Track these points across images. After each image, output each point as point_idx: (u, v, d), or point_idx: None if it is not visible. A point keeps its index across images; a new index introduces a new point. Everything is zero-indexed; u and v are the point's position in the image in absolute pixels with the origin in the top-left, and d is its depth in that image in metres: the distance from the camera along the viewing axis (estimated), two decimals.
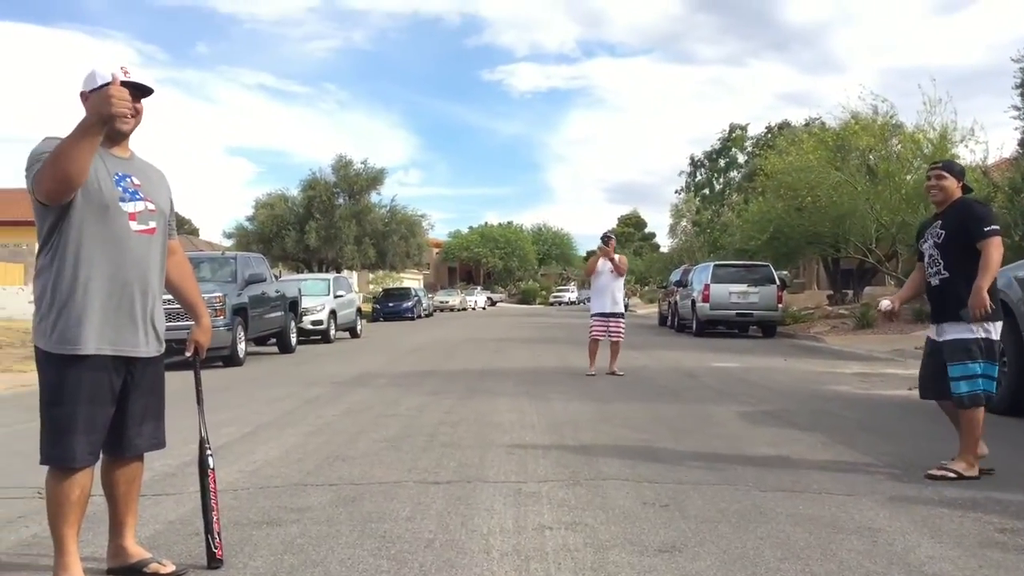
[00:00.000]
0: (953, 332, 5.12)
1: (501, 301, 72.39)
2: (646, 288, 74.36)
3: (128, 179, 3.15)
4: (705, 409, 7.99)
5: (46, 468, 3.09)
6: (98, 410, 3.07)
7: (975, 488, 4.79)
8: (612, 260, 11.46)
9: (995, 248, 5.05)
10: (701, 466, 5.36)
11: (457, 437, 6.42)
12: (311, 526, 4.00)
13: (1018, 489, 4.81)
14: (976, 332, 5.05)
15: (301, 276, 24.44)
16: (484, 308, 59.49)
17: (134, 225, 3.12)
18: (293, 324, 17.71)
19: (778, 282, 22.07)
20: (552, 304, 69.20)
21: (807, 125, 42.52)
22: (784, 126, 45.29)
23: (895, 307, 5.51)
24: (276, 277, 17.28)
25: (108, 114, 2.78)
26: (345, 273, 42.81)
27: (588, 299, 13.42)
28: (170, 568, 3.31)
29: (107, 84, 2.84)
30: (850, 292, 30.36)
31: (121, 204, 3.09)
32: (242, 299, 14.58)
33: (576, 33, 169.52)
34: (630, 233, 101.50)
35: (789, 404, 8.39)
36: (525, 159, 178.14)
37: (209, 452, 3.51)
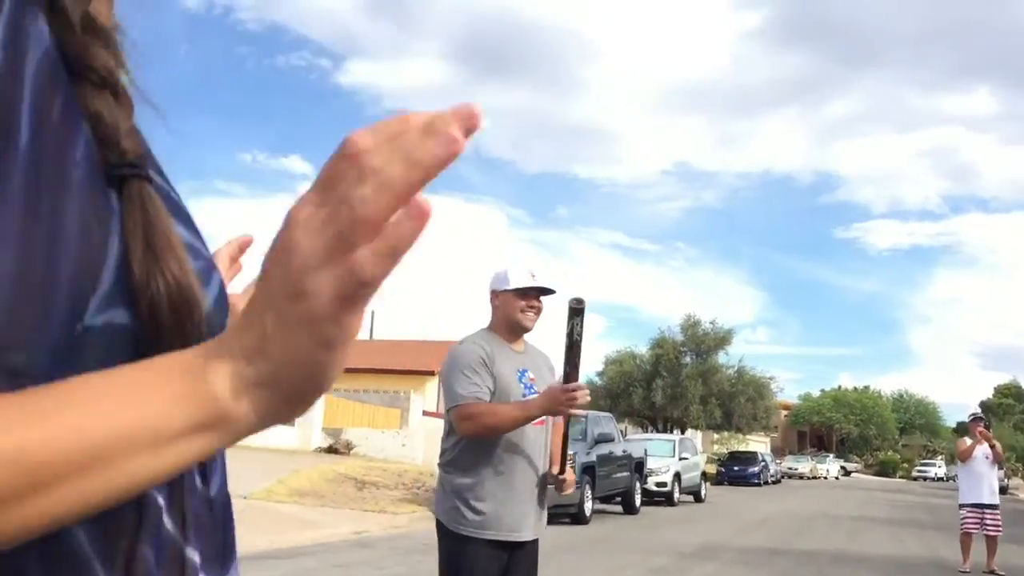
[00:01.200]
0: None
1: (856, 471, 67.41)
2: None
3: (526, 374, 3.47)
4: None
5: None
6: None
7: None
8: (992, 444, 10.42)
9: None
10: None
11: None
12: None
13: None
14: None
15: (647, 436, 24.69)
16: (837, 478, 55.76)
17: (537, 427, 3.41)
18: (638, 484, 17.85)
19: None
20: (915, 479, 63.19)
21: None
22: None
23: None
24: (622, 434, 17.61)
25: (557, 412, 3.23)
26: (689, 433, 42.51)
27: (956, 476, 12.22)
28: None
29: (566, 389, 3.18)
30: None
31: (522, 398, 3.41)
32: (591, 458, 15.04)
33: (942, 188, 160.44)
34: (1009, 405, 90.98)
35: None
36: (883, 319, 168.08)
37: None
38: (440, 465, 3.48)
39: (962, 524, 10.55)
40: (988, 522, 10.32)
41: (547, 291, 3.51)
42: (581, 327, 3.30)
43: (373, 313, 59.39)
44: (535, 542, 3.53)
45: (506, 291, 3.41)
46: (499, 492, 3.35)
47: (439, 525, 3.44)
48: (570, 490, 3.47)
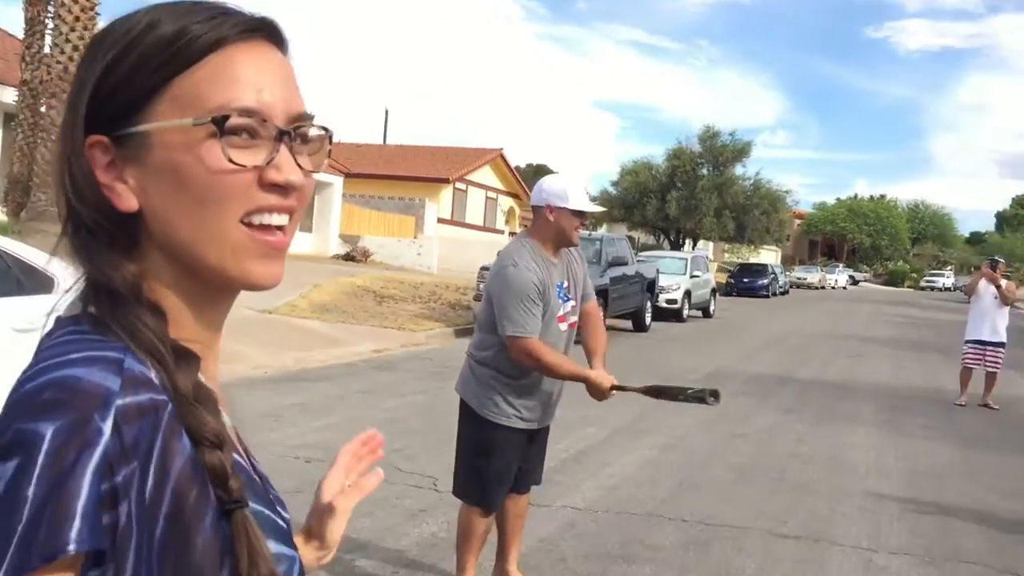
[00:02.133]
0: None
1: (864, 281, 68.31)
2: None
3: (563, 286, 3.65)
4: None
5: (450, 468, 3.78)
6: (515, 467, 3.68)
7: None
8: (998, 285, 10.56)
9: None
10: None
11: (808, 478, 6.45)
12: (663, 569, 4.36)
13: None
14: None
15: (659, 254, 24.92)
16: (845, 288, 56.58)
17: (562, 326, 3.65)
18: (649, 304, 18.26)
19: None
20: (923, 288, 64.07)
21: None
22: None
23: None
24: (634, 243, 17.69)
25: (593, 396, 3.57)
26: (701, 244, 42.89)
27: (963, 287, 12.44)
28: None
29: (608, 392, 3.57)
30: None
31: (559, 312, 3.62)
32: (604, 280, 15.32)
33: None
34: None
35: None
36: (906, 125, 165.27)
37: None
38: (475, 359, 3.66)
39: (963, 359, 10.87)
40: (989, 358, 10.62)
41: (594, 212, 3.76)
42: (688, 400, 3.54)
43: (387, 113, 58.62)
44: (548, 425, 3.82)
45: (565, 208, 3.54)
46: (532, 389, 3.60)
47: (466, 407, 3.66)
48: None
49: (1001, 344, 10.68)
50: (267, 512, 0.76)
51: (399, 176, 34.44)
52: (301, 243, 25.32)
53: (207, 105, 0.71)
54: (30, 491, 0.59)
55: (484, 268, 15.36)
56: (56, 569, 0.59)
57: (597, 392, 3.54)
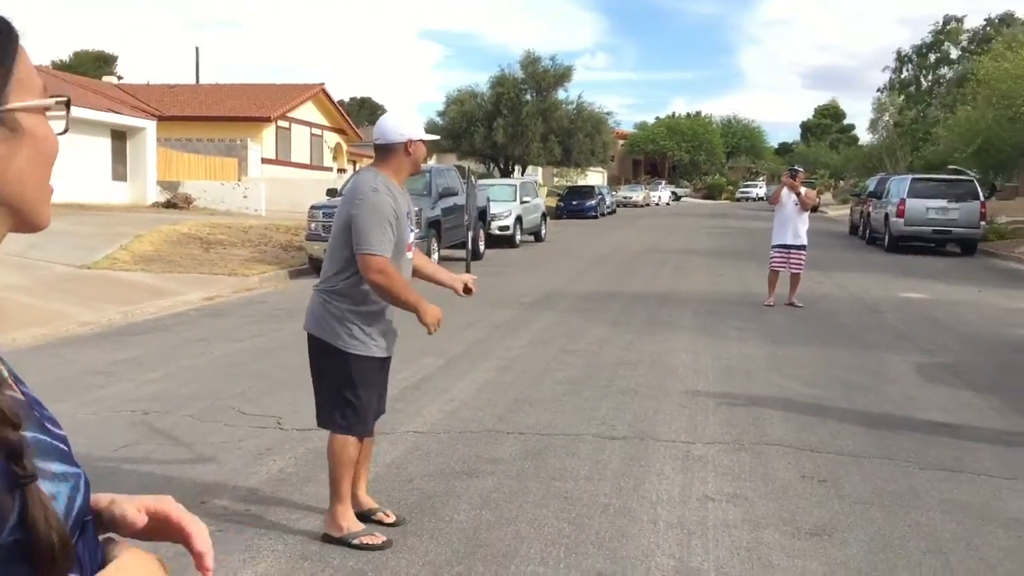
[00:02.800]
0: None
1: (686, 196, 71.34)
2: (840, 183, 71.11)
3: (409, 215, 3.86)
4: (882, 358, 8.10)
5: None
6: (379, 391, 3.96)
7: None
8: (797, 193, 11.42)
9: None
10: (865, 433, 5.63)
11: (634, 383, 6.93)
12: (504, 480, 4.66)
13: None
14: None
15: (489, 182, 25.23)
16: (668, 204, 58.95)
17: (409, 255, 3.89)
18: (482, 232, 18.57)
19: (982, 198, 20.93)
20: (738, 200, 67.56)
21: None
22: (1007, 19, 41.51)
23: None
24: (464, 173, 17.86)
25: (426, 325, 3.74)
26: (530, 170, 43.54)
27: (768, 196, 13.34)
28: (392, 518, 4.05)
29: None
30: None
31: (408, 241, 3.84)
32: (435, 212, 15.49)
33: None
34: (827, 125, 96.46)
35: (971, 355, 8.36)
36: (717, 42, 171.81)
37: None
38: (324, 291, 3.81)
39: (770, 263, 11.75)
40: (793, 261, 11.53)
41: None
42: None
43: (198, 51, 55.68)
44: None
45: (421, 140, 3.83)
46: (381, 317, 3.81)
47: (322, 344, 3.80)
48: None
49: (803, 247, 11.59)
50: (45, 438, 0.85)
51: (217, 117, 33.01)
52: (116, 193, 24.06)
53: (37, 88, 0.86)
54: None
55: (314, 207, 15.19)
56: None
57: (430, 319, 3.73)
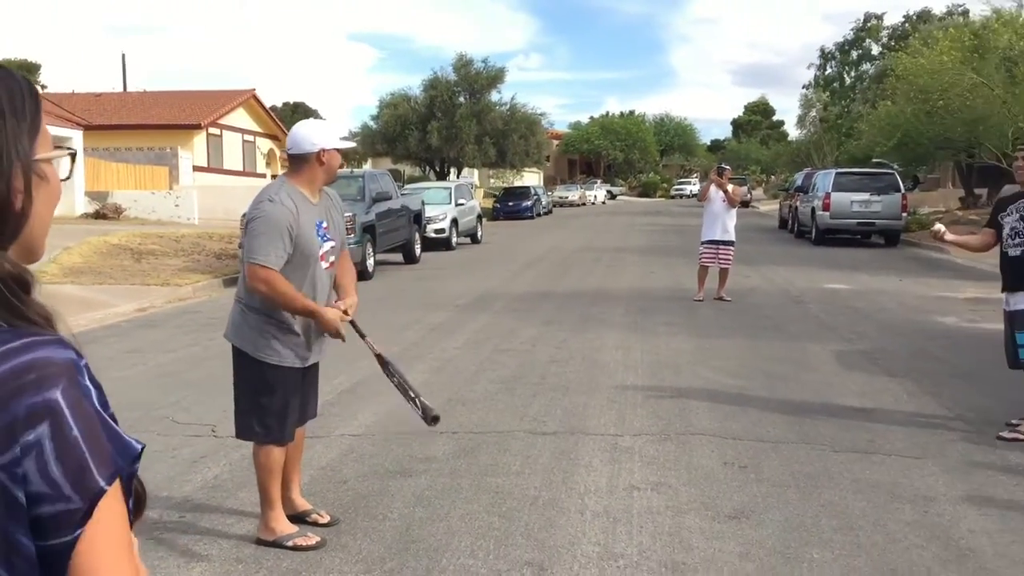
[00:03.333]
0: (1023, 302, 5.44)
1: (621, 194, 72.09)
2: (771, 178, 72.59)
3: (322, 225, 3.89)
4: (803, 348, 8.40)
5: (229, 413, 4.01)
6: (296, 400, 3.97)
7: None
8: (725, 190, 11.73)
9: None
10: (785, 420, 5.88)
11: (566, 379, 7.10)
12: (436, 478, 4.77)
13: None
14: None
15: (424, 185, 25.29)
16: (604, 202, 59.53)
17: (323, 265, 3.90)
18: (417, 235, 18.62)
19: (903, 190, 21.65)
20: (673, 197, 68.51)
21: (949, 14, 40.23)
22: (924, 15, 42.90)
23: (947, 237, 5.85)
24: (400, 176, 17.91)
25: (326, 331, 3.88)
26: (466, 172, 43.61)
27: (698, 193, 13.62)
28: (326, 519, 4.14)
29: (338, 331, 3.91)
30: (984, 192, 29.25)
31: (319, 252, 3.85)
32: (370, 217, 15.49)
33: None
34: (757, 122, 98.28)
35: (889, 342, 8.70)
36: (648, 41, 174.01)
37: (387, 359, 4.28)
38: (244, 304, 3.84)
39: (699, 259, 12.04)
40: (721, 256, 11.83)
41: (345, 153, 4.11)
42: (408, 399, 4.17)
43: (124, 58, 54.55)
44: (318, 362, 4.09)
45: (335, 149, 3.84)
46: (301, 328, 3.82)
47: (241, 354, 3.86)
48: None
49: (731, 243, 11.90)
50: None
51: (146, 125, 32.48)
52: None
53: (50, 139, 1.02)
54: (75, 433, 0.85)
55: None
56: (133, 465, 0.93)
57: (329, 327, 3.82)
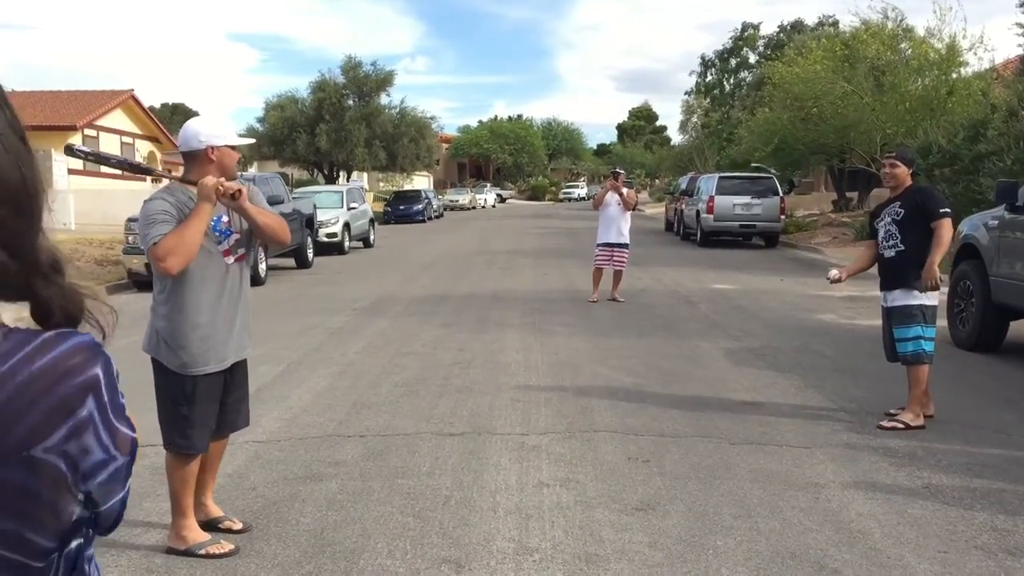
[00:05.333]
0: (901, 299, 5.82)
1: (511, 198, 72.71)
2: (655, 182, 74.40)
3: (221, 219, 3.79)
4: (695, 346, 8.71)
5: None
6: (216, 407, 3.91)
7: (917, 438, 5.54)
8: (620, 194, 12.01)
9: (947, 228, 5.71)
10: (683, 415, 6.10)
11: (469, 380, 7.18)
12: (347, 481, 4.78)
13: (955, 438, 5.56)
14: (919, 299, 5.75)
15: (315, 189, 24.96)
16: (494, 206, 59.94)
17: (228, 259, 3.83)
18: (309, 240, 18.39)
19: (781, 194, 22.60)
20: (562, 200, 69.48)
21: (820, 25, 42.15)
22: (797, 26, 44.86)
23: (843, 278, 6.21)
24: (288, 180, 17.64)
25: (203, 194, 3.62)
26: (356, 176, 43.20)
27: (593, 198, 13.89)
28: (239, 525, 4.10)
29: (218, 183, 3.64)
30: (855, 195, 30.78)
31: (218, 246, 3.77)
32: None
33: None
34: (641, 127, 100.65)
35: (774, 339, 9.10)
36: (534, 46, 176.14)
37: None
38: (157, 314, 3.78)
39: (595, 260, 12.30)
40: (616, 258, 12.12)
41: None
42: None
43: None
44: (243, 360, 4.01)
45: (225, 146, 3.74)
46: (206, 330, 3.76)
47: (155, 362, 3.80)
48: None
49: (625, 245, 12.20)
50: None
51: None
52: None
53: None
54: (105, 399, 0.93)
55: (132, 219, 14.60)
56: None
57: (205, 188, 3.60)
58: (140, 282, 13.73)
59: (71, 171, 30.72)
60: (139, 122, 36.89)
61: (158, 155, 38.04)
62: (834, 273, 6.31)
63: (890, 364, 6.19)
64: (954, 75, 22.61)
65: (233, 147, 3.82)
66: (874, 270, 6.25)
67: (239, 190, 3.65)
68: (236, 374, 4.03)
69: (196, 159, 3.74)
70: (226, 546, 3.87)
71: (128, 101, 35.61)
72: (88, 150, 3.80)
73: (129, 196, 24.99)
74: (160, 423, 3.85)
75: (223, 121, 3.89)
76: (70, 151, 3.61)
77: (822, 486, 4.69)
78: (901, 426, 5.75)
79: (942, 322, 8.13)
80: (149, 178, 35.09)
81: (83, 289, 1.03)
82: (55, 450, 0.89)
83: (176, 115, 73.76)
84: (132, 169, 4.04)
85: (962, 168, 16.15)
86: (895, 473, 4.92)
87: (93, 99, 33.78)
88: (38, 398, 0.88)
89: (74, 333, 0.96)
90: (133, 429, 0.99)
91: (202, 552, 3.82)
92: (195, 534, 3.89)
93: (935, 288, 5.74)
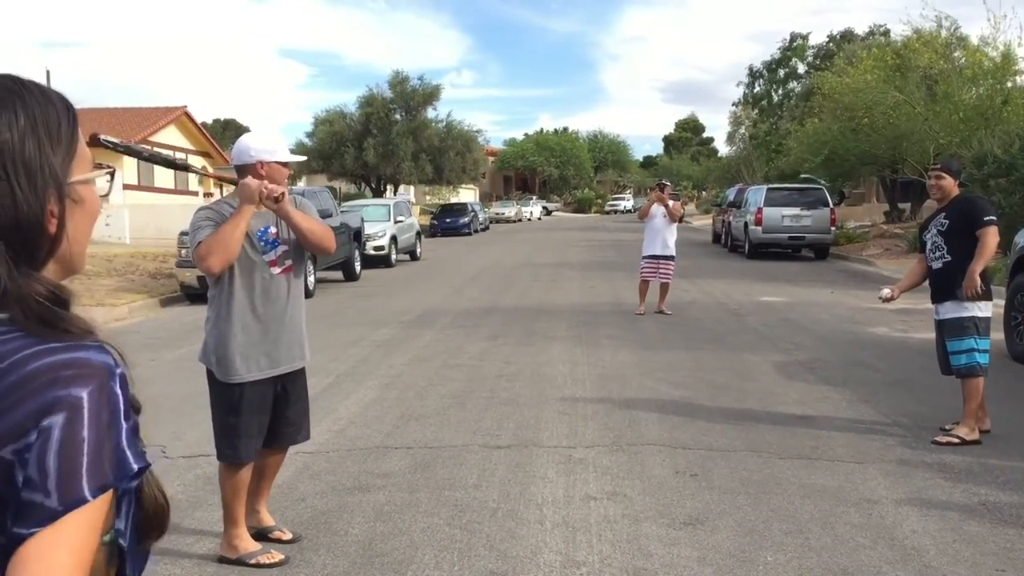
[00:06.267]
0: (952, 311, 5.72)
1: (557, 210, 72.69)
2: (702, 194, 73.91)
3: (268, 230, 3.85)
4: (744, 359, 8.62)
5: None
6: (264, 419, 3.93)
7: (973, 454, 5.42)
8: (666, 206, 11.96)
9: (992, 236, 5.62)
10: (732, 429, 6.04)
11: (515, 393, 7.18)
12: (395, 493, 4.80)
13: (1013, 453, 5.44)
14: (971, 311, 5.64)
15: (363, 202, 25.21)
16: (540, 219, 59.95)
17: (275, 270, 3.86)
18: (357, 253, 18.55)
19: (831, 205, 22.31)
20: (608, 213, 69.32)
21: (871, 34, 41.60)
22: (847, 35, 44.35)
23: (895, 295, 6.12)
24: (336, 194, 17.85)
25: (246, 195, 3.67)
26: (402, 189, 43.56)
27: (638, 210, 13.86)
28: (288, 536, 4.14)
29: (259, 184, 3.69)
30: (908, 207, 30.26)
31: (263, 256, 3.82)
32: None
33: None
34: (687, 138, 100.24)
35: (825, 352, 8.97)
36: (579, 59, 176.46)
37: None
38: (209, 322, 3.85)
39: (641, 272, 12.25)
40: (662, 271, 12.06)
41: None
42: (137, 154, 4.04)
43: (49, 74, 53.29)
44: (300, 371, 4.06)
45: (274, 161, 3.79)
46: (247, 339, 3.81)
47: (208, 373, 3.87)
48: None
49: (671, 257, 12.14)
50: None
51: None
52: None
53: (89, 160, 1.05)
54: (83, 434, 0.89)
55: (184, 233, 14.87)
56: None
57: (246, 189, 3.65)
58: (192, 295, 13.97)
59: (126, 186, 31.45)
60: (192, 138, 37.63)
61: (210, 169, 38.74)
62: (886, 292, 6.22)
63: (944, 377, 6.07)
64: (1009, 83, 22.15)
65: (284, 163, 3.87)
66: (927, 283, 6.14)
67: (282, 193, 3.72)
68: (294, 388, 4.05)
69: (247, 173, 3.79)
70: (276, 556, 3.91)
71: (181, 117, 36.38)
72: (117, 141, 3.84)
73: (182, 210, 25.49)
74: (214, 434, 3.92)
75: (276, 137, 3.97)
76: (96, 142, 3.66)
77: (875, 502, 4.60)
78: (956, 441, 5.63)
79: (999, 335, 7.98)
80: (200, 192, 35.78)
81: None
82: (16, 452, 0.88)
83: (228, 130, 75.03)
84: (166, 164, 4.14)
85: (1018, 178, 15.79)
86: (951, 489, 4.81)
87: (148, 116, 34.56)
88: (24, 399, 0.88)
89: (91, 347, 0.95)
90: (100, 491, 0.89)
91: (253, 561, 3.86)
92: (246, 543, 3.93)
93: (976, 296, 5.62)
